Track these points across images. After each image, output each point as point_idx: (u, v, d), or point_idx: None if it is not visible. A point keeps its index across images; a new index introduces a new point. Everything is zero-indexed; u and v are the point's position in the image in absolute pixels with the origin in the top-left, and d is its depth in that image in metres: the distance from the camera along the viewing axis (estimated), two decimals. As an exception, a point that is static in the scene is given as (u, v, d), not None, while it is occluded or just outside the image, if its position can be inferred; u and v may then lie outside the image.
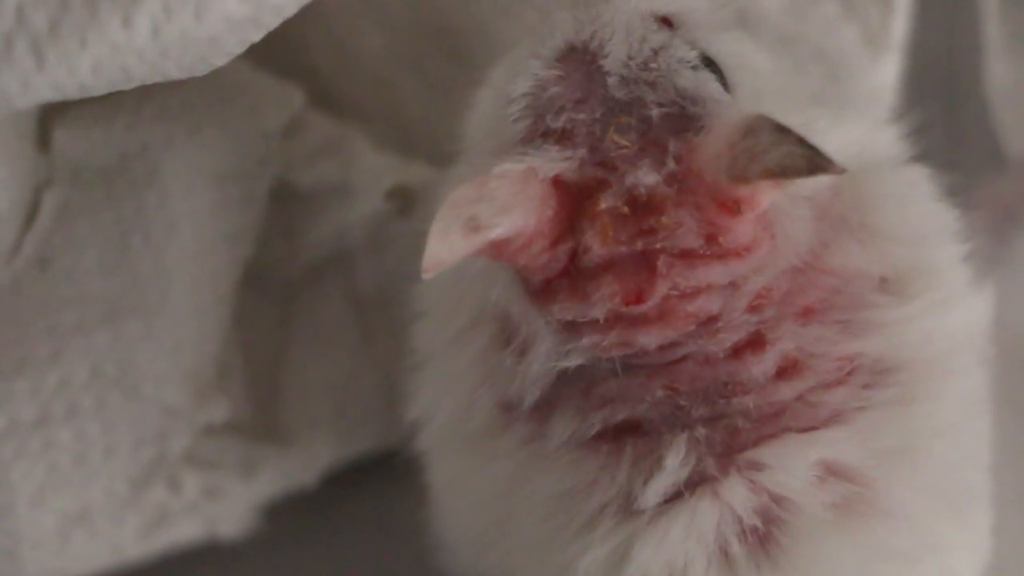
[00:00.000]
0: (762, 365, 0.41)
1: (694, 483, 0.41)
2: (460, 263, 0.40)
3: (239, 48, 0.45)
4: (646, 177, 0.40)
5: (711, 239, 0.40)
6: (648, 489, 0.41)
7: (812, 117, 0.43)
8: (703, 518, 0.41)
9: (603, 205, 0.40)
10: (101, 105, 0.53)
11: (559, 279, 0.41)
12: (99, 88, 0.45)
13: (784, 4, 0.55)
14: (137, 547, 0.57)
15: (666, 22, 0.44)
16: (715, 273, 0.41)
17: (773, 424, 0.41)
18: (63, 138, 0.54)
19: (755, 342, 0.41)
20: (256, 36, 0.45)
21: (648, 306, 0.40)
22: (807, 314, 0.42)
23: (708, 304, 0.41)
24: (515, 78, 0.43)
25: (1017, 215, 0.59)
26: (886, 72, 0.56)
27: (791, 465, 0.41)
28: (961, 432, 0.43)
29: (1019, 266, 0.58)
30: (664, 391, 0.41)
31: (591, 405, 0.42)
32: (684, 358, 0.41)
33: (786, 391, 0.41)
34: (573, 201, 0.41)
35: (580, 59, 0.42)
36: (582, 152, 0.41)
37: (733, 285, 0.41)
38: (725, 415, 0.41)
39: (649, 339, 0.41)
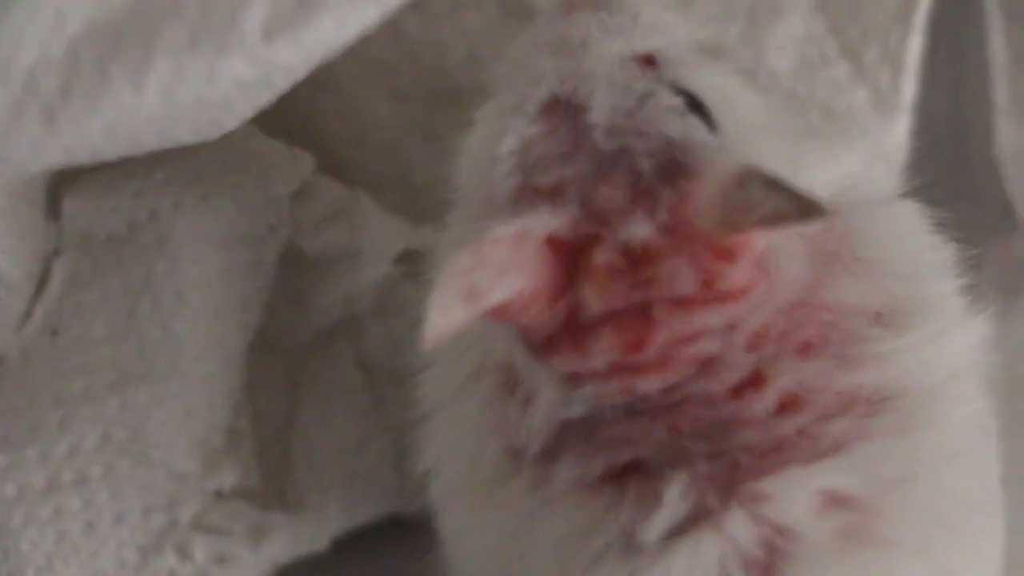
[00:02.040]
0: (763, 402, 0.41)
1: (696, 517, 0.40)
2: None
3: (250, 111, 0.46)
4: (639, 230, 0.40)
5: (707, 285, 0.40)
6: (650, 525, 0.41)
7: (801, 151, 0.43)
8: (706, 551, 0.40)
9: (598, 260, 0.40)
10: (110, 173, 0.54)
11: (559, 334, 0.41)
12: (111, 152, 0.45)
13: (794, 65, 0.55)
14: (147, 615, 0.56)
15: (648, 61, 0.44)
16: (713, 317, 0.41)
17: (775, 458, 0.41)
18: (73, 207, 0.54)
19: (755, 380, 0.41)
20: (267, 99, 0.46)
21: (648, 354, 0.40)
22: (805, 349, 0.42)
23: (707, 346, 0.41)
24: (501, 136, 0.43)
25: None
26: (897, 133, 0.56)
27: (793, 495, 0.40)
28: (966, 459, 0.43)
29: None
30: (666, 432, 0.41)
31: (595, 449, 0.42)
32: (686, 399, 0.41)
33: (787, 426, 0.41)
34: (568, 258, 0.41)
35: (564, 113, 0.42)
36: (573, 208, 0.41)
37: (731, 326, 0.41)
38: (727, 451, 0.41)
39: (650, 385, 0.41)
